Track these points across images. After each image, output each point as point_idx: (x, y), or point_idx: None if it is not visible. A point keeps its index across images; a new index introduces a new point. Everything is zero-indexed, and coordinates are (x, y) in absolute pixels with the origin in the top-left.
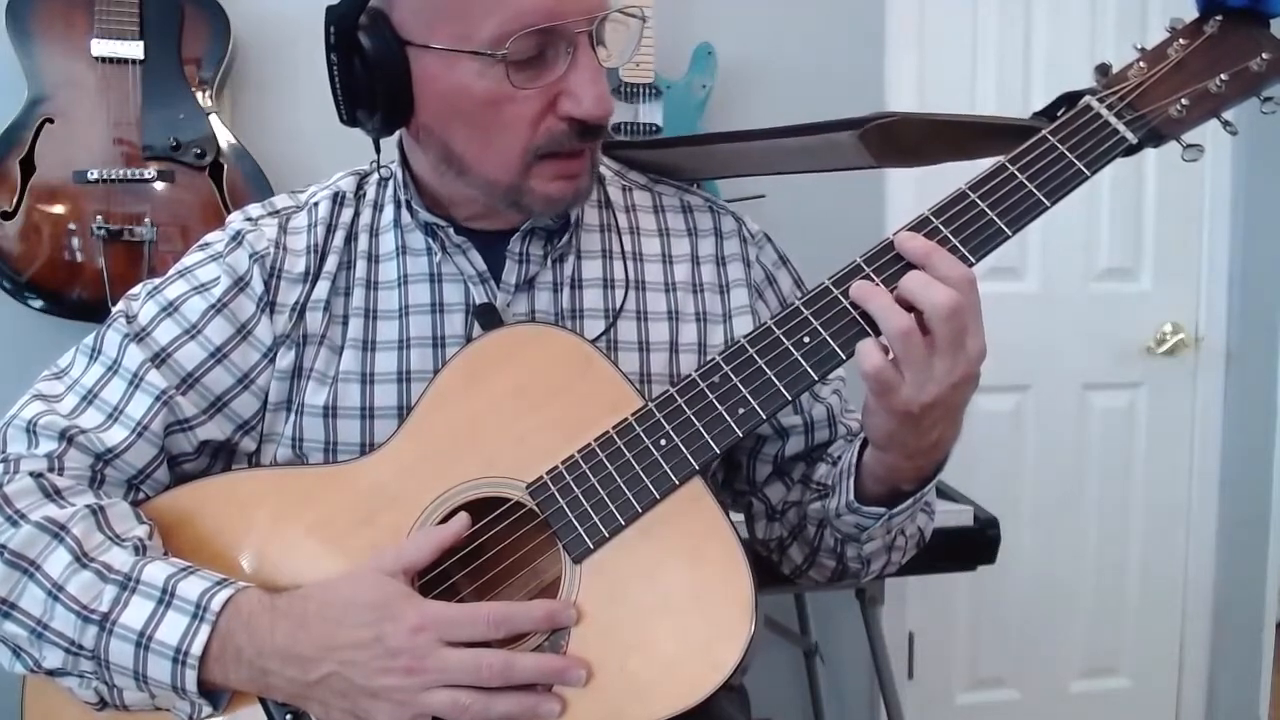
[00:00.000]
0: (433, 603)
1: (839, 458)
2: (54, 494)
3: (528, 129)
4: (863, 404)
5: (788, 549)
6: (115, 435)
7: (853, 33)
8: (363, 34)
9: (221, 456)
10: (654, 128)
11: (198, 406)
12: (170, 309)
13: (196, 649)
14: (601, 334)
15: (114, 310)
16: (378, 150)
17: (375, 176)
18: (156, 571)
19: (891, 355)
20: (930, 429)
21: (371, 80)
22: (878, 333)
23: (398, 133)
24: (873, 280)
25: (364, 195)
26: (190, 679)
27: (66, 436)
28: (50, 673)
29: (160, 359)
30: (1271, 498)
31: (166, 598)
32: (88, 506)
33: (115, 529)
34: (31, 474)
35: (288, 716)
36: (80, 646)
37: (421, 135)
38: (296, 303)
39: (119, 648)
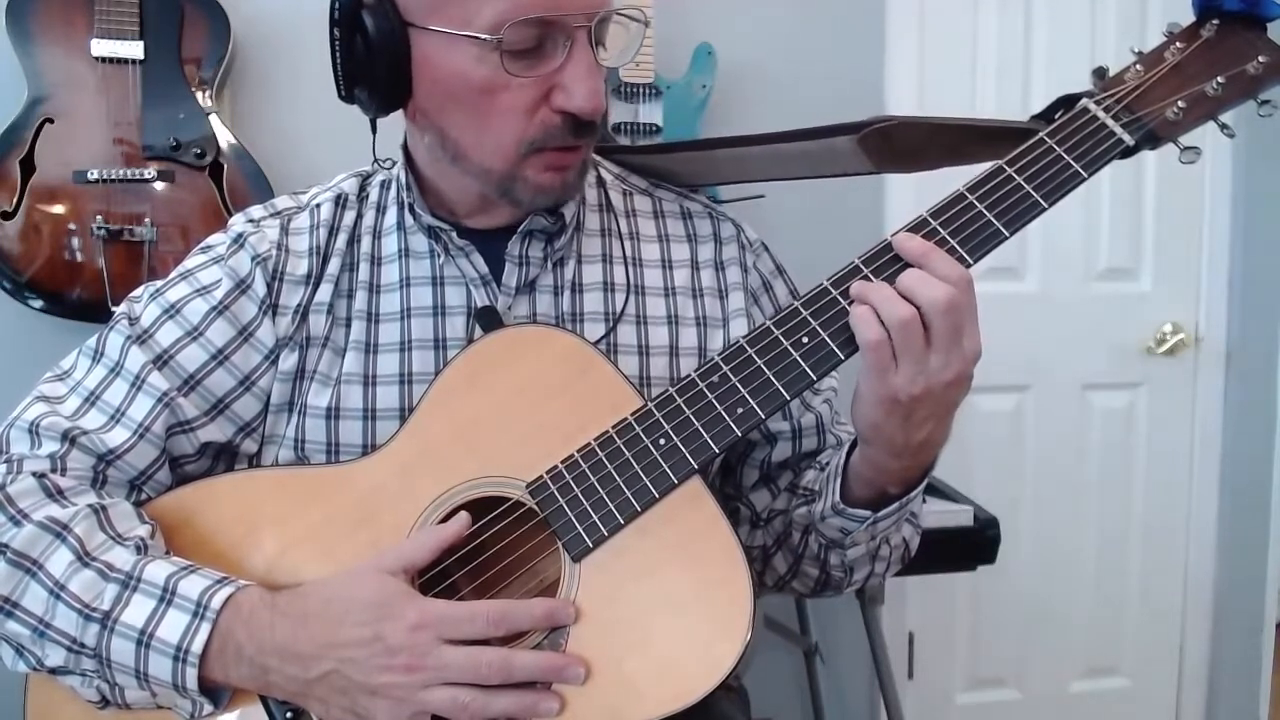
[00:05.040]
0: (432, 600)
1: (828, 464)
2: (56, 494)
3: (522, 119)
4: (853, 392)
5: (772, 558)
6: (117, 436)
7: (853, 33)
8: (366, 12)
9: (223, 458)
10: (654, 128)
11: (199, 408)
12: (172, 311)
13: (197, 647)
14: (602, 337)
15: (116, 312)
16: (374, 130)
17: (378, 178)
18: (158, 570)
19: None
20: (919, 425)
21: (371, 59)
22: None
23: (402, 136)
24: (871, 281)
25: (367, 197)
26: (191, 677)
27: (69, 438)
28: (52, 671)
29: (162, 361)
30: (1271, 498)
31: (167, 596)
32: (89, 506)
33: (117, 528)
34: (34, 474)
35: (288, 714)
36: (82, 645)
37: (418, 119)
38: (299, 305)
39: (120, 646)
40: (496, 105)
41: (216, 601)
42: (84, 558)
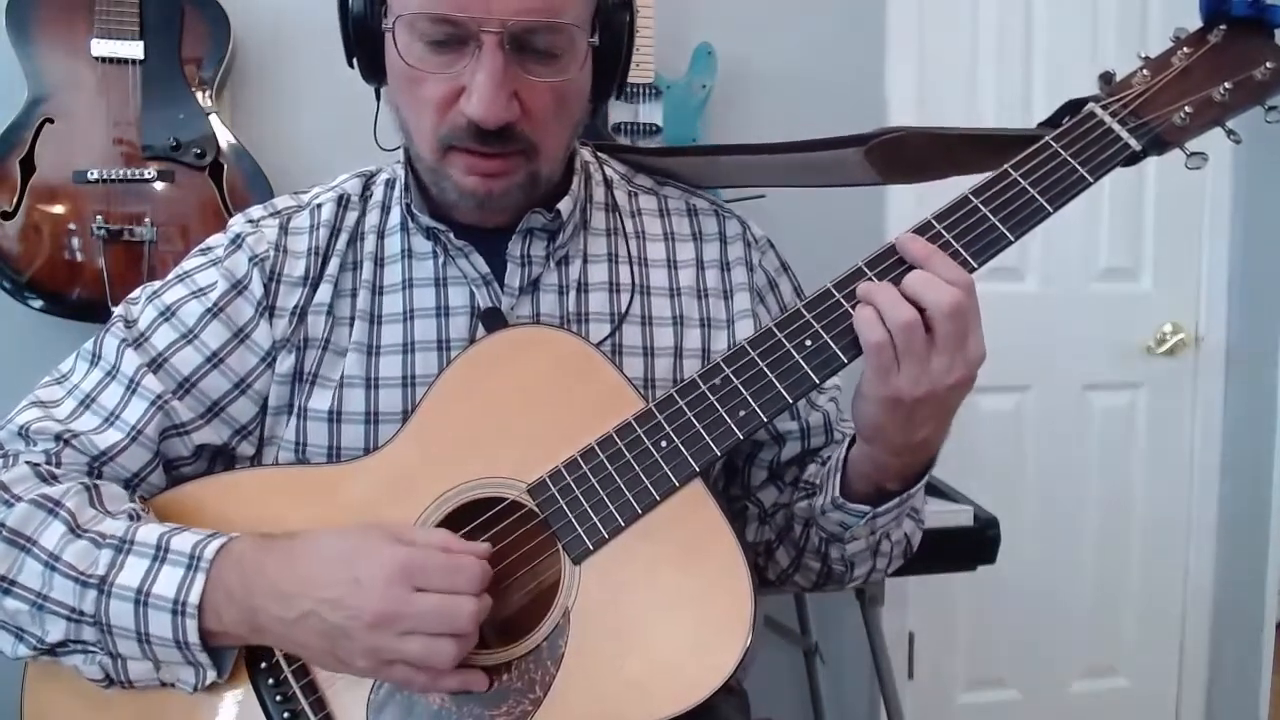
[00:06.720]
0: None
1: (829, 458)
2: (49, 479)
3: (434, 112)
4: (855, 391)
5: (775, 552)
6: (110, 438)
7: (853, 33)
8: None
9: (220, 461)
10: (654, 128)
11: (194, 411)
12: (168, 314)
13: (194, 598)
14: (606, 338)
15: (114, 314)
16: (378, 98)
17: (383, 176)
18: (149, 532)
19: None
20: (919, 426)
21: (355, 30)
22: None
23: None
24: (875, 282)
25: (370, 197)
26: (192, 629)
27: (62, 439)
28: (54, 648)
29: (157, 364)
30: (1271, 498)
31: (160, 554)
32: (81, 484)
33: (106, 506)
34: (29, 463)
35: (285, 715)
36: (81, 613)
37: (389, 100)
38: (296, 306)
39: (119, 608)
40: (419, 95)
41: (209, 552)
42: (76, 529)
